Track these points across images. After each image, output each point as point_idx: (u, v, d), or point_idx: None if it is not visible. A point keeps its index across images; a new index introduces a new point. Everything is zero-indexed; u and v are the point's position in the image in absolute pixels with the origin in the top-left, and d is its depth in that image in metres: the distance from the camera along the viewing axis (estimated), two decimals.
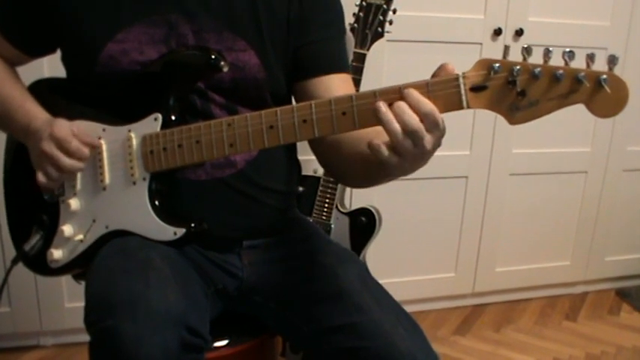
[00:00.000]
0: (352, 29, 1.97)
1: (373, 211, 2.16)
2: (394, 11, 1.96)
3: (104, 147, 1.18)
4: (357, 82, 1.96)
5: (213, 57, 1.14)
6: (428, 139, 0.93)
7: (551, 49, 0.87)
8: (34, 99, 1.25)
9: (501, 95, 0.90)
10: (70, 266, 1.24)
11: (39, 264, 1.26)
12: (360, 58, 1.98)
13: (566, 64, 0.87)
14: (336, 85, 1.25)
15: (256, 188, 1.26)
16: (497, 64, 0.89)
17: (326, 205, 2.10)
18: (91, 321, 1.02)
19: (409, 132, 0.92)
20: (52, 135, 1.15)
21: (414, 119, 0.92)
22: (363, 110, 0.96)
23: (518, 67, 0.88)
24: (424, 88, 0.92)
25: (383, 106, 0.94)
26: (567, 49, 0.87)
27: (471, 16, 2.50)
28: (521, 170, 2.76)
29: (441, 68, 0.94)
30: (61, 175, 1.18)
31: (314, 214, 2.10)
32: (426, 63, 2.47)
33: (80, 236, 1.20)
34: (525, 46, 0.89)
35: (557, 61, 0.88)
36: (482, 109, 0.92)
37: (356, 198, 2.46)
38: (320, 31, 1.27)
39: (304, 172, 2.06)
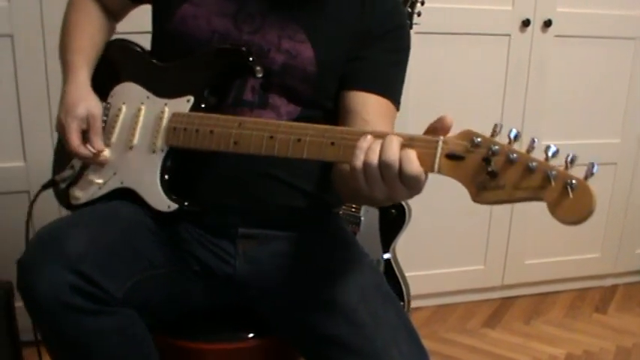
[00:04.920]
0: None
1: (403, 203, 2.15)
2: (422, 3, 1.96)
3: (143, 112, 1.27)
4: None
5: (251, 59, 1.19)
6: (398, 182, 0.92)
7: (536, 140, 0.85)
8: (90, 58, 1.35)
9: (474, 170, 0.88)
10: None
11: (64, 197, 1.35)
12: None
13: (546, 159, 0.84)
14: (373, 105, 1.24)
15: (258, 175, 1.26)
16: (478, 139, 0.87)
17: None
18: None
19: (383, 164, 0.91)
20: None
21: (394, 155, 0.91)
22: (348, 145, 0.98)
23: (496, 147, 0.86)
24: (407, 139, 0.93)
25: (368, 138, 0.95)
26: (553, 147, 0.83)
27: (499, 7, 2.49)
28: None
29: (439, 120, 0.92)
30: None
31: (344, 207, 2.10)
32: (454, 55, 2.48)
33: (100, 181, 1.29)
34: (515, 133, 0.87)
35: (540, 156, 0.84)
36: (452, 177, 0.90)
37: None
38: (382, 53, 1.28)
39: None
